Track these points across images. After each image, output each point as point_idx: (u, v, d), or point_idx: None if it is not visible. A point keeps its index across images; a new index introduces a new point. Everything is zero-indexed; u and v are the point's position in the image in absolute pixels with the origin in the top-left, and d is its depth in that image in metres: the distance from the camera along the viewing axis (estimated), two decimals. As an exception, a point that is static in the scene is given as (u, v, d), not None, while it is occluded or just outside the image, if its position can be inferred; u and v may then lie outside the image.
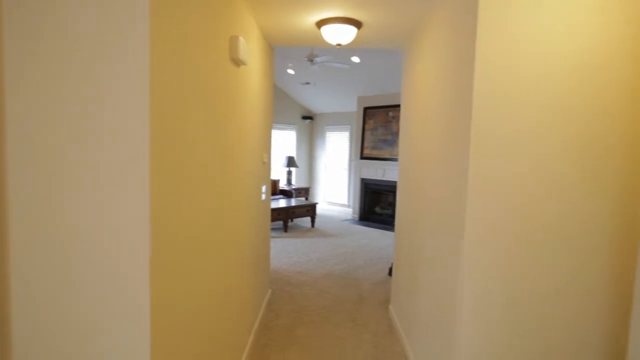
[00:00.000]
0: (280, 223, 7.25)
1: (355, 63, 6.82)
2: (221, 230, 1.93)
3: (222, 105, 1.83)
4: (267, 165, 3.48)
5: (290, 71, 7.95)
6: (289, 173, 9.08)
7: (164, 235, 1.21)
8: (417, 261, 2.62)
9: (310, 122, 9.87)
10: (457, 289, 1.80)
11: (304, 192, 9.09)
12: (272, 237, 6.45)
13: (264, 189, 3.23)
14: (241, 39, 1.98)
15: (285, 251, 5.60)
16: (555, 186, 1.70)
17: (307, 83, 8.23)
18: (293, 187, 8.96)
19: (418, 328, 2.50)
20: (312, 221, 7.35)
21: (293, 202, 7.34)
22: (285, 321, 3.33)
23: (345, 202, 9.17)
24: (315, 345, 2.93)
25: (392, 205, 7.91)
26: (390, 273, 4.60)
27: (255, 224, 2.91)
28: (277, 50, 6.38)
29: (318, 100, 9.07)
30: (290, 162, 8.96)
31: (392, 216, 7.79)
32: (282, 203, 7.12)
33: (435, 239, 2.18)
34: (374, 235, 6.86)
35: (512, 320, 1.75)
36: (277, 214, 6.69)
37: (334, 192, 9.49)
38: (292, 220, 7.56)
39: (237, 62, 2.04)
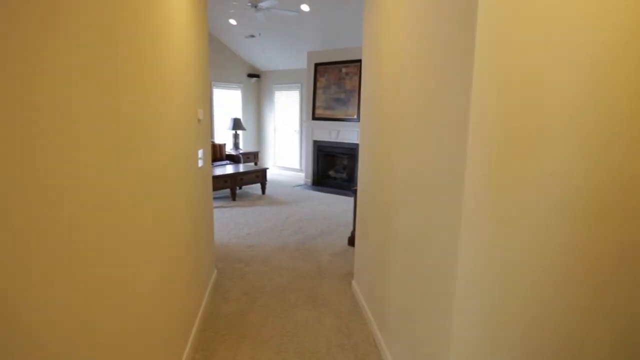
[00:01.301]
0: (227, 191, 6.65)
1: (305, 13, 6.14)
2: (148, 202, 1.38)
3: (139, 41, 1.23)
4: (205, 125, 2.87)
5: (232, 21, 7.09)
6: (236, 136, 8.38)
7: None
8: (387, 238, 2.22)
9: (256, 81, 9.09)
10: (452, 272, 1.40)
11: (253, 156, 8.47)
12: (220, 206, 5.87)
13: (200, 153, 2.64)
14: None
15: (235, 222, 5.07)
16: (587, 144, 1.31)
17: (252, 36, 7.41)
18: (240, 151, 8.30)
19: (392, 312, 2.13)
20: (263, 188, 6.82)
21: (241, 167, 6.73)
22: (234, 307, 2.86)
23: (297, 167, 8.69)
24: (270, 335, 2.51)
25: (347, 168, 7.55)
26: (350, 242, 4.25)
27: (192, 196, 2.35)
28: (216, -7, 5.54)
29: (265, 56, 8.30)
30: (237, 124, 8.24)
31: (348, 180, 7.44)
32: (229, 169, 6.50)
33: (416, 215, 1.77)
34: (329, 200, 6.48)
35: (516, 305, 1.40)
36: (223, 181, 6.08)
37: (285, 156, 8.95)
38: (240, 188, 6.99)
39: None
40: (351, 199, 6.53)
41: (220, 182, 6.02)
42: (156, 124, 1.61)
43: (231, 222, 5.09)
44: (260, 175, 6.70)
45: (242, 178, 6.39)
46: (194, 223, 2.40)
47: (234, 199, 6.30)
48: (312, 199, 6.51)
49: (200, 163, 2.62)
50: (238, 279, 3.34)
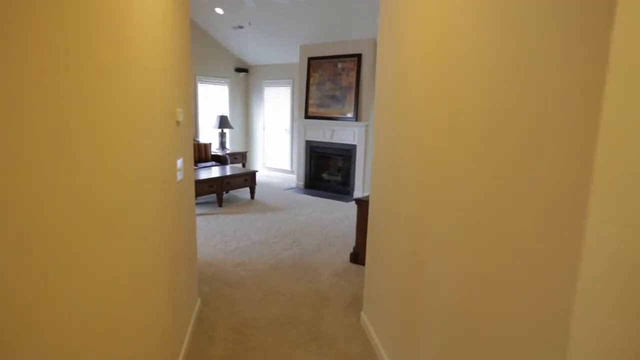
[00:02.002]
0: (213, 196, 6.10)
1: (298, 2, 5.61)
2: (101, 238, 0.87)
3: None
4: (185, 127, 2.35)
5: (219, 10, 6.51)
6: (222, 135, 7.82)
7: None
8: (418, 272, 1.75)
9: (245, 76, 8.53)
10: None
11: (241, 157, 7.91)
12: (204, 214, 5.33)
13: (180, 163, 2.13)
14: None
15: (221, 233, 4.54)
16: None
17: (241, 27, 6.85)
18: (227, 151, 7.74)
19: (426, 372, 1.66)
20: (252, 192, 6.29)
21: (228, 170, 6.19)
22: (222, 350, 2.36)
23: (288, 168, 8.17)
24: (267, 391, 2.01)
25: (342, 171, 7.07)
26: (353, 259, 3.77)
27: (170, 219, 1.84)
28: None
29: (254, 49, 7.74)
30: (223, 122, 7.68)
31: (343, 183, 6.97)
32: (214, 172, 5.95)
33: (474, 256, 1.29)
34: (323, 206, 5.99)
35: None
36: (208, 186, 5.53)
37: (275, 156, 8.42)
38: (227, 192, 6.44)
39: None
40: (348, 205, 6.06)
41: (204, 186, 5.48)
42: (109, 129, 1.10)
43: (217, 232, 4.56)
44: (249, 179, 6.17)
45: (229, 182, 5.86)
46: (172, 254, 1.89)
47: (220, 205, 5.76)
48: (306, 205, 6.01)
49: (179, 176, 2.10)
50: (226, 309, 2.83)
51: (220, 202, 5.76)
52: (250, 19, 6.44)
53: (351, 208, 5.84)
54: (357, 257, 3.73)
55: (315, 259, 3.83)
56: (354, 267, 3.67)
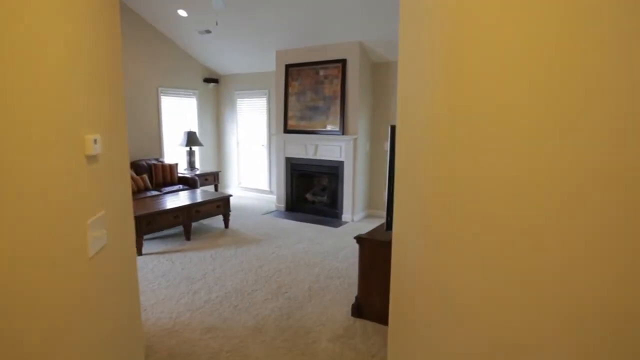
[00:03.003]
0: (180, 228, 5.19)
1: (272, 0, 4.88)
2: None
3: None
4: (113, 162, 1.52)
5: (182, 13, 5.69)
6: (191, 154, 6.92)
7: None
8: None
9: (215, 87, 7.69)
10: None
11: (213, 178, 7.03)
12: (167, 251, 4.43)
13: (97, 224, 1.28)
14: None
15: (187, 279, 3.67)
16: None
17: (208, 31, 6.04)
18: (197, 172, 6.85)
19: None
20: (226, 220, 5.42)
21: (198, 195, 5.32)
22: None
23: (267, 188, 7.34)
24: None
25: (329, 190, 6.29)
26: (355, 312, 2.98)
27: (72, 332, 1.01)
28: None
29: (224, 57, 6.93)
30: (191, 139, 6.80)
31: (330, 205, 6.19)
32: (181, 198, 5.07)
33: None
34: (309, 234, 5.19)
35: None
36: (173, 216, 4.65)
37: (252, 175, 7.57)
38: (197, 221, 5.53)
39: None
40: (338, 231, 5.28)
41: (169, 217, 4.59)
42: None
43: (183, 278, 3.68)
44: (222, 205, 5.31)
45: (199, 210, 4.98)
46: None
47: (188, 238, 4.87)
48: (289, 233, 5.20)
49: (94, 246, 1.26)
50: (188, 415, 1.98)
51: (188, 235, 4.87)
52: (219, 21, 5.65)
53: (342, 235, 5.06)
54: (361, 309, 2.95)
55: (308, 314, 3.02)
56: (359, 323, 2.88)
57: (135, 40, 6.14)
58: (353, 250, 4.45)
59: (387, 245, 2.67)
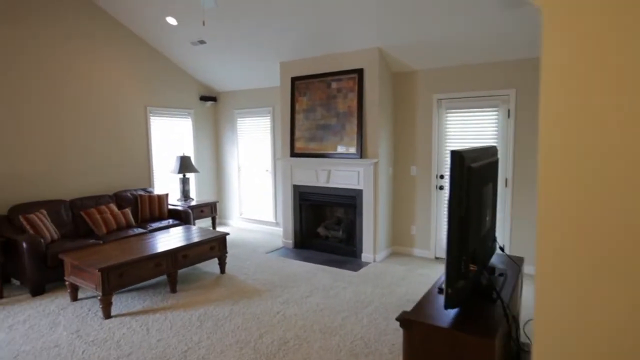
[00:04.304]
0: (163, 278, 4.23)
1: (274, 2, 4.05)
2: None
3: None
4: None
5: (172, 21, 4.90)
6: (184, 182, 6.04)
7: None
8: None
9: (212, 105, 6.86)
10: None
11: (210, 209, 6.12)
12: (145, 311, 3.47)
13: None
14: None
15: (161, 359, 2.71)
16: None
17: (202, 42, 5.24)
18: (192, 203, 5.95)
19: None
20: (221, 264, 4.47)
21: (189, 233, 4.38)
22: None
23: (272, 219, 6.39)
24: None
25: (344, 223, 5.33)
26: None
27: None
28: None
29: (222, 71, 6.11)
30: (185, 165, 5.92)
31: (346, 241, 5.22)
32: (168, 239, 4.14)
33: None
34: (323, 279, 4.21)
35: None
36: (155, 264, 3.72)
37: (255, 205, 6.64)
38: (185, 267, 4.59)
39: None
40: (358, 276, 4.29)
41: (148, 266, 3.66)
42: None
43: (155, 358, 2.72)
44: (217, 246, 4.37)
45: (187, 255, 4.05)
46: None
47: (173, 290, 3.92)
48: (298, 280, 4.22)
49: None
50: None
51: (173, 286, 3.92)
52: (214, 33, 4.83)
53: (364, 282, 4.07)
54: None
55: None
56: None
57: (118, 52, 5.35)
58: (381, 308, 3.47)
59: (452, 333, 1.73)
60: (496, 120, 4.34)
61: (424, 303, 2.08)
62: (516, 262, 2.55)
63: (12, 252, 3.96)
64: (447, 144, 4.69)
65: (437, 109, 4.72)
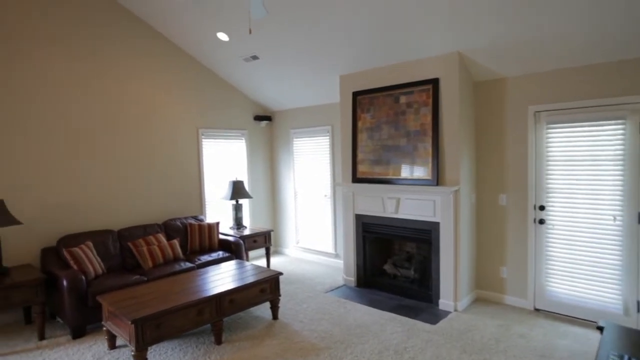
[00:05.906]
0: (207, 328, 3.70)
1: (335, 8, 3.47)
2: None
3: None
4: None
5: (222, 36, 4.52)
6: (237, 208, 5.59)
7: None
8: None
9: (267, 125, 6.43)
10: None
11: (264, 239, 5.60)
12: (183, 372, 2.94)
13: None
14: None
15: None
16: None
17: (255, 57, 4.81)
18: (244, 232, 5.47)
19: None
20: (274, 310, 3.87)
21: (243, 273, 3.85)
22: None
23: (332, 251, 5.73)
24: None
25: (417, 261, 4.53)
26: None
27: None
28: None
29: (276, 88, 5.65)
30: (237, 190, 5.48)
31: (419, 282, 4.40)
32: (212, 280, 3.62)
33: None
34: (393, 334, 3.44)
35: None
36: (197, 311, 3.19)
37: (313, 233, 6.03)
38: (231, 315, 4.05)
39: None
40: (436, 330, 3.45)
41: (189, 316, 3.14)
42: None
43: None
44: (268, 288, 3.78)
45: (234, 299, 3.49)
46: None
47: (218, 342, 3.37)
48: (365, 333, 3.49)
49: None
50: None
51: (218, 337, 3.37)
52: (267, 47, 4.37)
53: (446, 342, 3.23)
54: None
55: None
56: None
57: (171, 75, 5.07)
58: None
59: None
60: (622, 136, 3.34)
61: None
62: None
63: (55, 288, 3.66)
64: (550, 168, 3.75)
65: (534, 124, 3.82)
